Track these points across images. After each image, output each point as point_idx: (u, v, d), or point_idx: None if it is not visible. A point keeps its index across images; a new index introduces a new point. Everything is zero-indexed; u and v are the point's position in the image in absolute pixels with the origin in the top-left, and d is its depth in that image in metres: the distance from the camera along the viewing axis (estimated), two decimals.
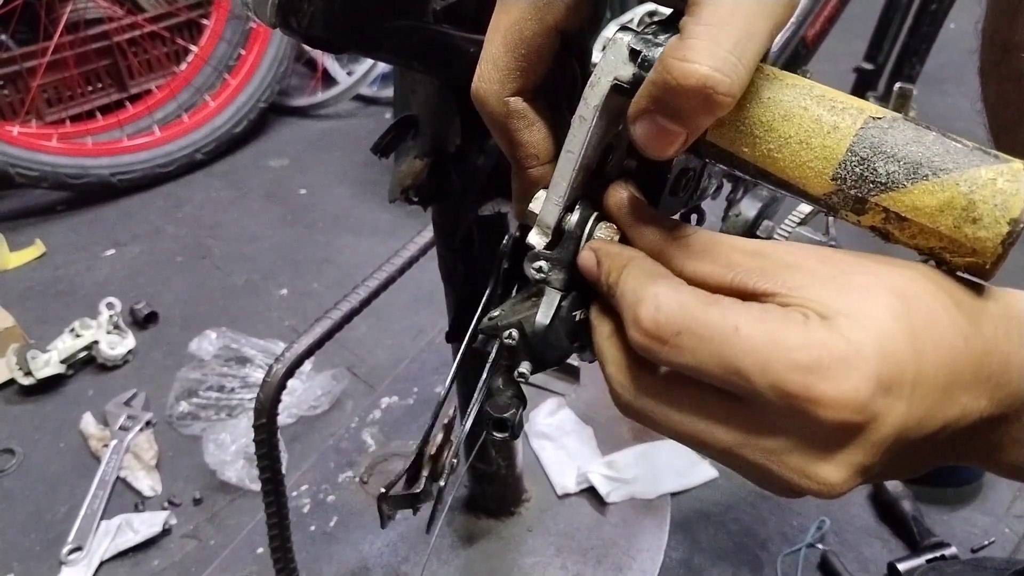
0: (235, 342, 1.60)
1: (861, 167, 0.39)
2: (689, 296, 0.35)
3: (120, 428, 1.46)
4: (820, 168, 0.40)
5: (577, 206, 0.44)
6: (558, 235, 0.44)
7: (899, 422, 0.32)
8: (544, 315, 0.44)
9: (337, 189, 2.25)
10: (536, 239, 0.44)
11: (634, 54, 0.40)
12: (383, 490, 0.51)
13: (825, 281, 0.35)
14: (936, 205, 0.37)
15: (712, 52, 0.33)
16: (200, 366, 1.55)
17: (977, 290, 0.37)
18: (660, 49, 0.40)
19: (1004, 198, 0.35)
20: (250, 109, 2.41)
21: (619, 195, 0.43)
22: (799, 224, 0.79)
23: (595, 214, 0.45)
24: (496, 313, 0.46)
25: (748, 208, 0.82)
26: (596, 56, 0.44)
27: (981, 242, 0.35)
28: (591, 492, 1.29)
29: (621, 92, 0.41)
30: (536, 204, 0.45)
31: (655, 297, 0.35)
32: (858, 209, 0.40)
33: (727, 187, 0.90)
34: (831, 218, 0.84)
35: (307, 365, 1.20)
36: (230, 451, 1.37)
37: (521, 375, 0.45)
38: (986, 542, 1.22)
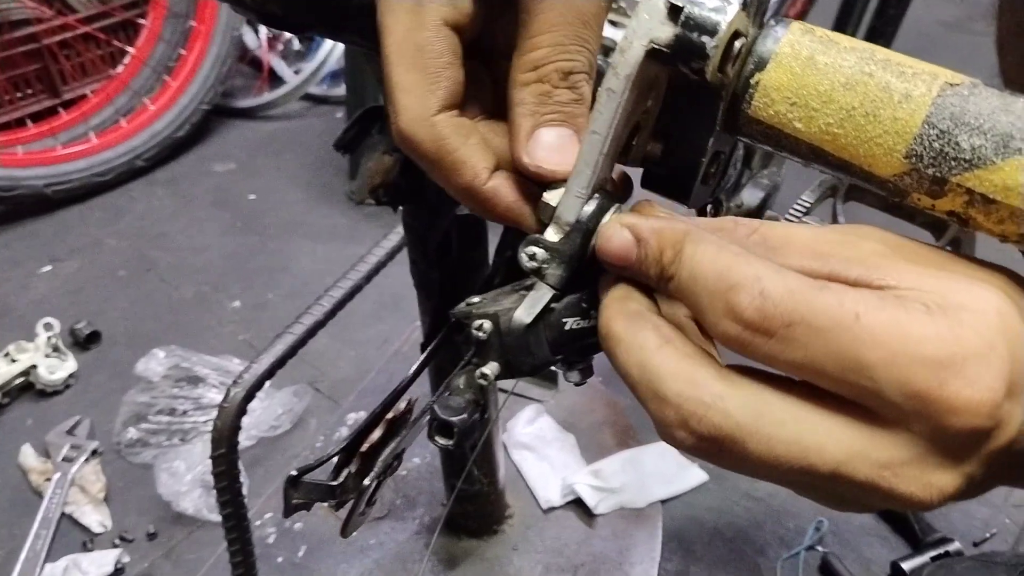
0: (186, 360, 1.50)
1: (940, 141, 0.33)
2: (796, 280, 0.29)
3: (63, 459, 1.36)
4: (890, 144, 0.34)
5: (595, 196, 0.37)
6: None
7: (1015, 430, 0.29)
8: (526, 313, 0.36)
9: (289, 193, 2.15)
10: (553, 237, 0.37)
11: (674, 11, 0.33)
12: (294, 472, 0.42)
13: (929, 271, 0.30)
14: None
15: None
16: (149, 388, 1.45)
17: None
18: (706, 5, 0.33)
19: None
20: (192, 112, 2.30)
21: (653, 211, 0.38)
22: (805, 213, 0.73)
23: (617, 205, 0.38)
24: (475, 300, 0.39)
25: (750, 197, 0.75)
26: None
27: None
28: (578, 504, 1.23)
29: (658, 58, 0.34)
30: (553, 196, 0.37)
31: (757, 280, 0.29)
32: (934, 192, 0.34)
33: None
34: (840, 205, 0.78)
35: (266, 383, 1.12)
36: (185, 480, 1.28)
37: (483, 376, 0.38)
38: (987, 535, 1.18)
